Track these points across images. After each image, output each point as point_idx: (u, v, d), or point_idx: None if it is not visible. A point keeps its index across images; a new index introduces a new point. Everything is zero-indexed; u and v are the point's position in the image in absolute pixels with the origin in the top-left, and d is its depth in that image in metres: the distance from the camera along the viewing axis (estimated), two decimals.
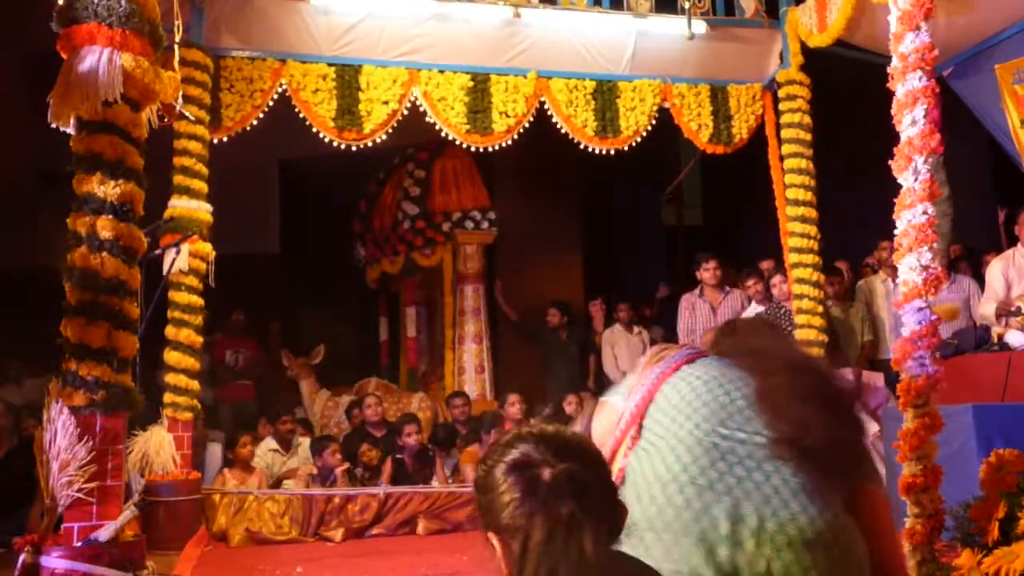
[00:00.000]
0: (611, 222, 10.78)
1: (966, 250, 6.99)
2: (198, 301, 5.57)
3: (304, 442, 6.63)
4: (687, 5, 6.32)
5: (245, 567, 4.64)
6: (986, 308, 5.22)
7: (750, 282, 6.78)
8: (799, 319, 6.18)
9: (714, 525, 1.51)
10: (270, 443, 6.48)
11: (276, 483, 6.10)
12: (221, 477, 5.97)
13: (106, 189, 3.76)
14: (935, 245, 3.08)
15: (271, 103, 6.04)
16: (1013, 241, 5.53)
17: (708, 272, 6.96)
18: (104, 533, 3.57)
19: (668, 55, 6.60)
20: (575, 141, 6.54)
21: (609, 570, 1.21)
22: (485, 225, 8.57)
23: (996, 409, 4.04)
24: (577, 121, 6.47)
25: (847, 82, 7.07)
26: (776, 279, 6.53)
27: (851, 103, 7.59)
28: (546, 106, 6.46)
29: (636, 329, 7.98)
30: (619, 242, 10.78)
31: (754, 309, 6.63)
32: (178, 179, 5.59)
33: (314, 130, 6.09)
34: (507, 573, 1.21)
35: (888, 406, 5.16)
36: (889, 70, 3.28)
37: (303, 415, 7.61)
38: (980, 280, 5.90)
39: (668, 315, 8.26)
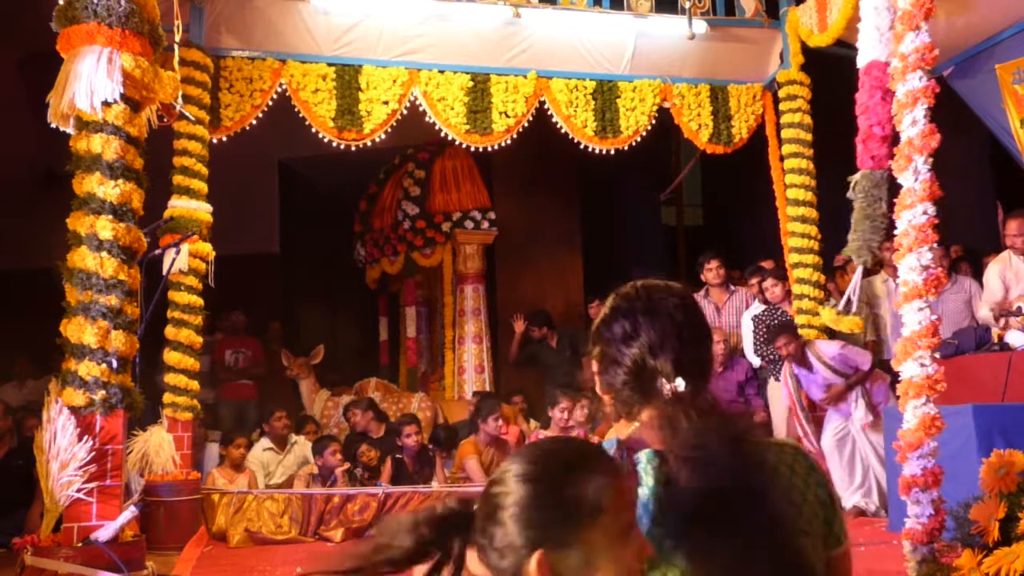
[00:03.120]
0: (611, 222, 10.77)
1: (967, 250, 6.98)
2: (198, 301, 5.57)
3: (300, 439, 6.62)
4: (687, 5, 6.32)
5: (244, 567, 4.63)
6: (984, 312, 5.24)
7: (753, 281, 6.78)
8: (799, 319, 6.17)
9: None
10: (264, 443, 6.47)
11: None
12: (211, 476, 5.98)
13: (106, 189, 3.77)
14: (935, 245, 3.08)
15: (271, 103, 6.04)
16: None
17: (711, 272, 6.95)
18: (104, 533, 3.57)
19: (668, 55, 6.60)
20: (575, 141, 6.54)
21: None
22: (485, 225, 8.57)
23: (996, 409, 4.04)
24: (577, 121, 6.46)
25: (847, 82, 7.06)
26: (768, 283, 6.44)
27: (851, 103, 7.58)
28: (546, 106, 6.46)
29: None
30: (619, 242, 10.77)
31: (756, 308, 6.63)
32: (178, 179, 5.59)
33: (314, 130, 6.10)
34: None
35: (889, 405, 5.17)
36: (889, 70, 3.28)
37: (303, 415, 7.60)
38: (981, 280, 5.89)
39: None
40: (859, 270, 4.24)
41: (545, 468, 1.10)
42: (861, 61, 4.07)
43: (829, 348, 5.65)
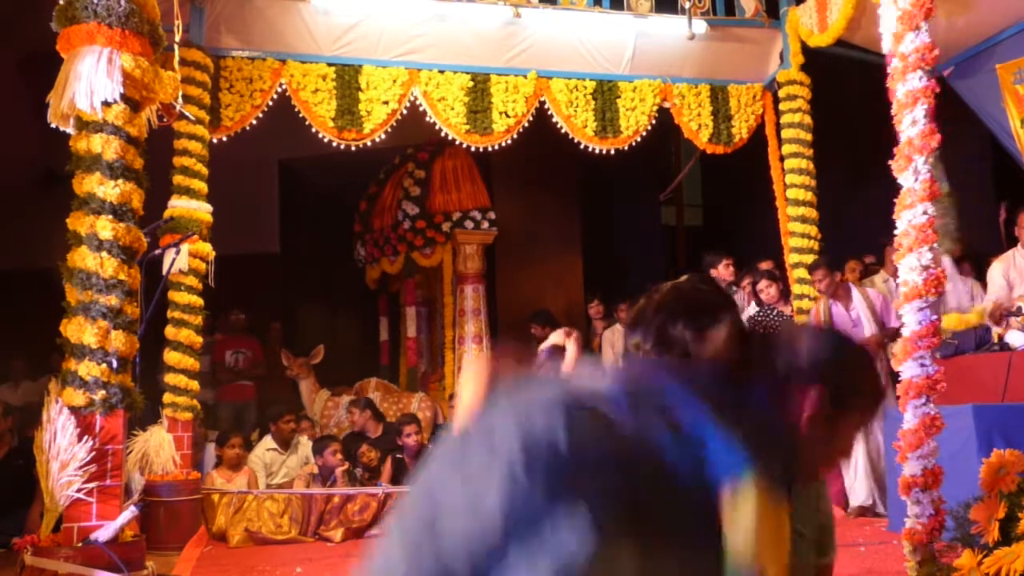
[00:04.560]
0: (611, 222, 10.77)
1: (968, 250, 6.97)
2: (198, 301, 5.57)
3: (303, 440, 6.62)
4: (687, 5, 6.32)
5: (244, 567, 4.63)
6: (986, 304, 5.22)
7: (745, 282, 6.81)
8: (800, 319, 6.17)
9: None
10: (268, 442, 6.48)
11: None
12: (209, 477, 5.98)
13: (106, 189, 3.77)
14: (935, 245, 3.08)
15: (271, 103, 6.04)
16: (1013, 240, 5.53)
17: (727, 269, 6.96)
18: (104, 533, 3.57)
19: (668, 55, 6.60)
20: (575, 141, 6.54)
21: None
22: (485, 225, 8.56)
23: (996, 409, 4.03)
24: (577, 121, 6.46)
25: (847, 82, 7.07)
26: (762, 284, 6.44)
27: (851, 103, 7.58)
28: (546, 106, 6.46)
29: None
30: (619, 242, 10.77)
31: (751, 309, 6.63)
32: (178, 179, 5.59)
33: (314, 130, 6.10)
34: None
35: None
36: (889, 70, 3.28)
37: (300, 414, 7.60)
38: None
39: None
40: (945, 259, 4.13)
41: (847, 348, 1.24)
42: None
43: (875, 292, 5.88)
